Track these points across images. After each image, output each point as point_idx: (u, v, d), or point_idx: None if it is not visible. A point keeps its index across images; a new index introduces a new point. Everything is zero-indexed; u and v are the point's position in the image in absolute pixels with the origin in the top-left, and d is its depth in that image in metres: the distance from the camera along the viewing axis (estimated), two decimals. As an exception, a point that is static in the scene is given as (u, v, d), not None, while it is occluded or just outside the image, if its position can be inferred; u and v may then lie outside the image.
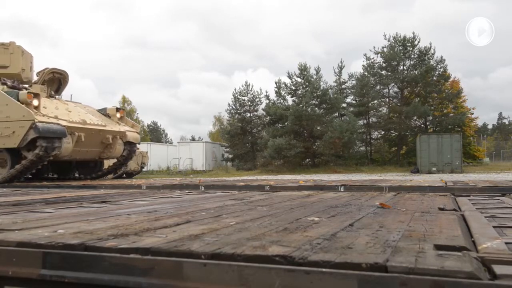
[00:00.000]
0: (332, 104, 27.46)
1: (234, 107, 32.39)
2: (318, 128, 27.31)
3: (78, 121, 7.63)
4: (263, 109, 30.43)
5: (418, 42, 28.28)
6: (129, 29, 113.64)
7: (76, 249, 1.20)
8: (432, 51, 28.10)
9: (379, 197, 3.17)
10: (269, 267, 0.98)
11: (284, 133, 26.69)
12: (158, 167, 29.63)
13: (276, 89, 29.63)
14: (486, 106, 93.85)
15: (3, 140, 6.84)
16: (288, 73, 29.32)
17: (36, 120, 6.58)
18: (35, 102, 6.88)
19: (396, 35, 28.50)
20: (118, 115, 9.03)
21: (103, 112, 9.02)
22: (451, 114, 28.41)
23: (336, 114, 28.77)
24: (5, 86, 7.40)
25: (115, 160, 9.29)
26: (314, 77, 28.63)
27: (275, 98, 29.71)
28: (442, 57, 28.17)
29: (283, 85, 29.44)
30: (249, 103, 32.20)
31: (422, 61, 28.11)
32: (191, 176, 20.97)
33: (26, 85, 8.21)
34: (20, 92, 7.01)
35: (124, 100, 45.04)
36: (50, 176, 9.35)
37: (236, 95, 32.27)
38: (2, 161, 7.29)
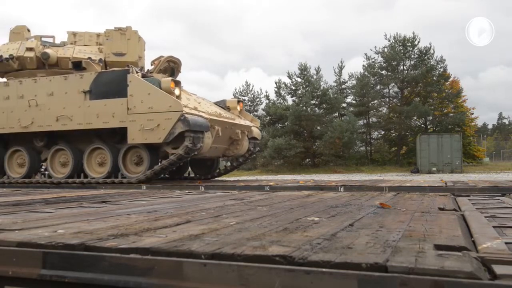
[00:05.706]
0: (332, 104, 27.45)
1: (234, 107, 32.35)
2: (318, 128, 27.29)
3: (214, 114, 6.66)
4: (263, 109, 30.45)
5: (418, 42, 28.31)
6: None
7: (76, 249, 1.20)
8: (432, 51, 28.15)
9: (379, 197, 3.17)
10: (269, 267, 0.97)
11: (284, 133, 26.69)
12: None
13: (276, 89, 29.67)
14: (481, 106, 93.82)
15: (145, 135, 5.84)
16: (288, 73, 29.37)
17: (184, 112, 5.70)
18: (176, 92, 5.96)
19: (397, 35, 28.54)
20: (238, 108, 7.85)
21: (222, 104, 7.86)
22: (451, 114, 28.39)
23: (336, 114, 28.75)
24: (139, 74, 6.29)
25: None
26: (314, 77, 28.64)
27: (275, 98, 29.76)
28: (442, 56, 28.22)
29: (283, 85, 29.46)
30: (249, 103, 32.20)
31: (422, 61, 28.11)
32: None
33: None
34: (163, 79, 6.12)
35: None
36: (162, 176, 8.03)
37: (236, 94, 32.29)
38: (138, 159, 6.32)
